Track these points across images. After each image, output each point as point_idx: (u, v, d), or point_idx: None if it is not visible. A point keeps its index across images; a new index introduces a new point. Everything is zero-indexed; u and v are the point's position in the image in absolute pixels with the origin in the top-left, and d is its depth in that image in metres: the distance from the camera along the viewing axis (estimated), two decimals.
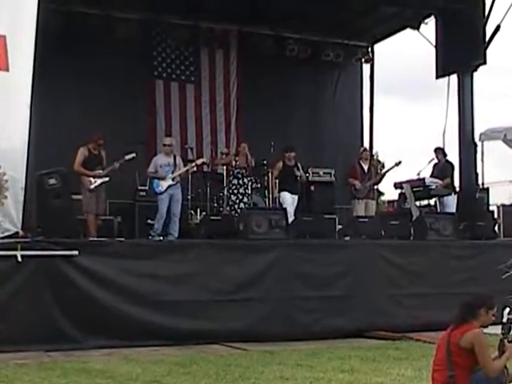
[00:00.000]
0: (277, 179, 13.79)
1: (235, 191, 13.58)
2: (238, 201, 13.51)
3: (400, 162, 13.92)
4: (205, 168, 14.80)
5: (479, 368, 5.30)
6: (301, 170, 13.48)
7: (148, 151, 14.94)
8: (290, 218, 12.55)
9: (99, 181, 11.94)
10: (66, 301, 9.41)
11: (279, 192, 13.60)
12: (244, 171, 13.73)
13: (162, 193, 12.25)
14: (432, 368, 5.54)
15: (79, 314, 9.43)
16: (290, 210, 12.86)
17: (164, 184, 12.28)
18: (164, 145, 12.90)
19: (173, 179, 12.36)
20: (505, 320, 5.27)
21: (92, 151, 12.09)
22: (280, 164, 13.53)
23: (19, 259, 9.12)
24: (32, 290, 9.24)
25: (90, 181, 11.91)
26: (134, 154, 12.40)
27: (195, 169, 13.49)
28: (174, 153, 12.98)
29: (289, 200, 13.30)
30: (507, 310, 5.28)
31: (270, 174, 14.29)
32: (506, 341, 5.31)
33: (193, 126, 16.46)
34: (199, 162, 13.26)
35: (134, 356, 8.85)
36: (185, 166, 12.87)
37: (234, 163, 13.79)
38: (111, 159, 12.18)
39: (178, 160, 12.82)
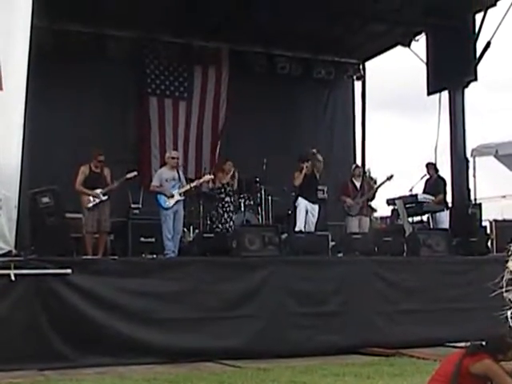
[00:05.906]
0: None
1: (227, 209, 13.55)
2: (229, 219, 13.50)
3: (392, 176, 13.96)
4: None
5: None
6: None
7: (141, 168, 14.97)
8: (301, 227, 12.76)
9: (97, 200, 11.95)
10: (60, 319, 9.38)
11: (296, 197, 13.46)
12: (233, 188, 13.67)
13: (168, 208, 12.07)
14: (432, 376, 5.42)
15: (73, 333, 9.40)
16: (301, 218, 12.97)
17: (172, 200, 12.08)
18: (172, 158, 12.60)
19: (180, 195, 12.18)
20: None
21: (93, 169, 12.10)
22: (301, 175, 13.39)
23: (12, 278, 9.10)
24: (25, 309, 9.21)
25: (89, 199, 11.93)
26: (135, 173, 12.38)
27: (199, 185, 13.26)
28: (178, 167, 12.75)
29: (303, 206, 13.21)
30: None
31: (262, 191, 14.28)
32: None
33: (181, 143, 16.32)
34: (207, 178, 13.10)
35: (127, 374, 8.81)
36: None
37: (224, 181, 13.65)
38: (116, 177, 12.21)
39: (182, 175, 12.63)
